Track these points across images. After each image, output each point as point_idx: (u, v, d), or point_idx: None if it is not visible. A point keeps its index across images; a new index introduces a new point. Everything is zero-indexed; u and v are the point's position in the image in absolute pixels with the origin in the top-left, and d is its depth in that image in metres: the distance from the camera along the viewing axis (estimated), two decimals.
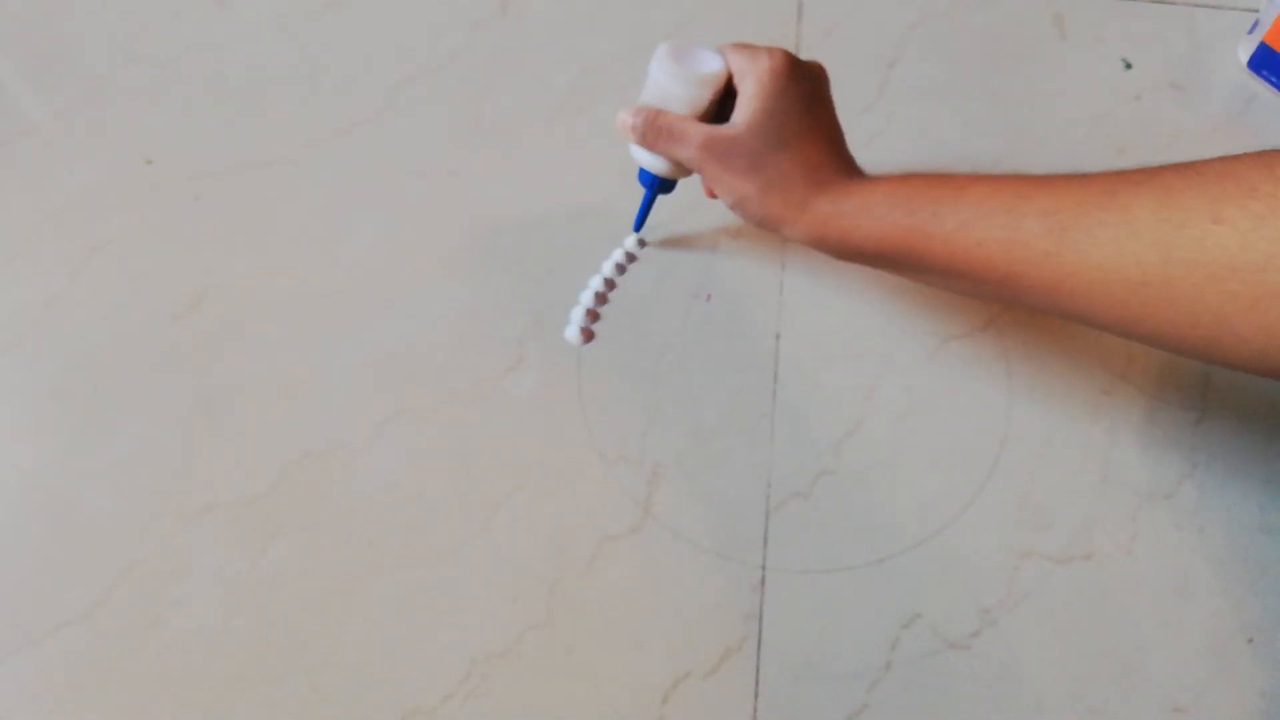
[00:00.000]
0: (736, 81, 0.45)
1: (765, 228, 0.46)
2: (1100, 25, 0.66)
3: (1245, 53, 0.64)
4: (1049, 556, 0.49)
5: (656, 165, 0.49)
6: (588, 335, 0.54)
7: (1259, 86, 0.64)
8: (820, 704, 0.45)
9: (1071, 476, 0.51)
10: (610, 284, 0.56)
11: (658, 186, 0.51)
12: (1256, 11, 0.64)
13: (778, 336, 0.54)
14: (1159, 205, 0.36)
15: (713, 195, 0.50)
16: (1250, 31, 0.64)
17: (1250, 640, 0.47)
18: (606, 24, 0.66)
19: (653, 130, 0.46)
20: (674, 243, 0.57)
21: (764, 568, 0.48)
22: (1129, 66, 0.64)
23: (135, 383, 0.53)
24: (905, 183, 0.43)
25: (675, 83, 0.46)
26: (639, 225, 0.54)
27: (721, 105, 0.47)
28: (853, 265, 0.56)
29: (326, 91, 0.63)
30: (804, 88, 0.45)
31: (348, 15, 0.66)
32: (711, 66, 0.46)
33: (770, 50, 0.45)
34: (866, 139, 0.60)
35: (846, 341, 0.54)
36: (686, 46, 0.46)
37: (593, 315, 0.55)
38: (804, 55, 0.46)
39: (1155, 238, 0.36)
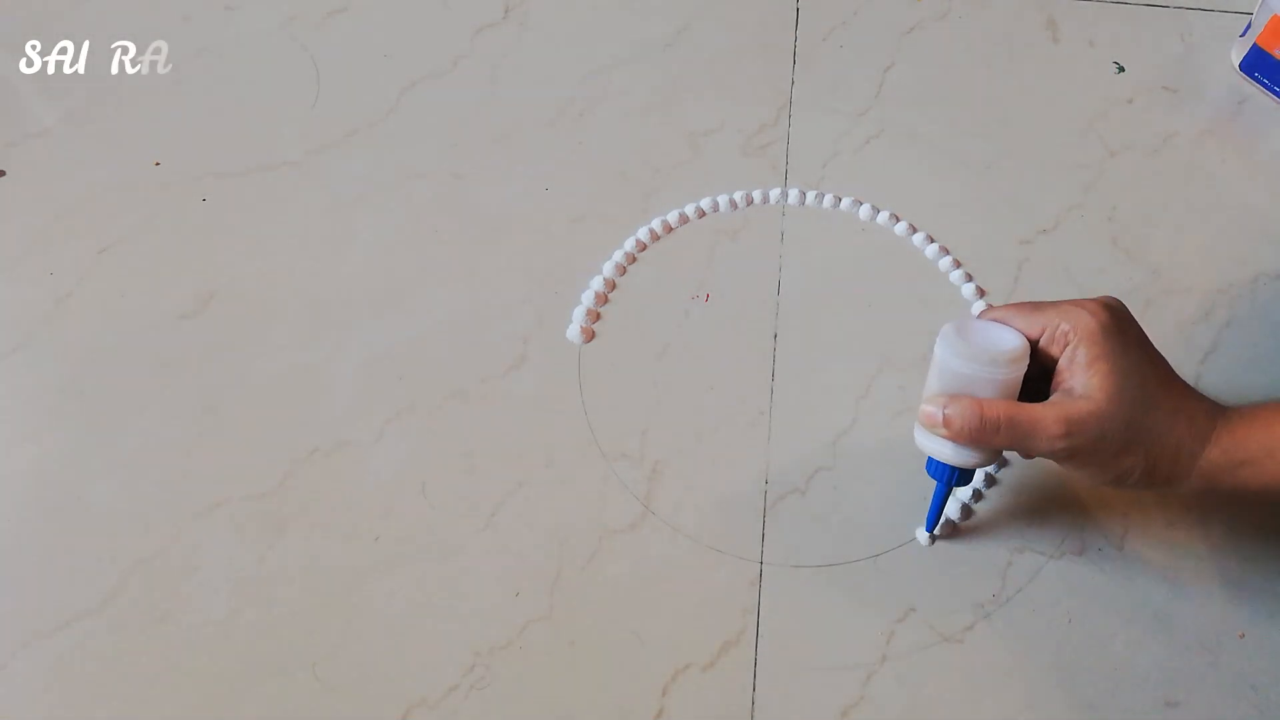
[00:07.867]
0: (1048, 347, 0.41)
1: (1147, 493, 0.46)
2: (1092, 28, 0.66)
3: (1238, 55, 0.64)
4: (1042, 552, 0.49)
5: (960, 457, 0.42)
6: (589, 334, 0.55)
7: (1251, 89, 0.64)
8: (817, 696, 0.46)
9: (1063, 472, 0.51)
10: (611, 284, 0.56)
11: (955, 480, 0.44)
12: (1249, 14, 0.64)
13: (775, 336, 0.55)
14: None
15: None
16: (1243, 34, 0.64)
17: (1241, 635, 0.47)
18: (607, 29, 0.66)
19: (989, 425, 0.40)
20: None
21: (761, 563, 0.49)
22: (1121, 69, 0.65)
23: (144, 381, 0.53)
24: None
25: (980, 366, 0.40)
26: (932, 524, 0.48)
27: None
28: (847, 264, 0.57)
29: (332, 95, 0.63)
30: (1133, 333, 0.41)
31: (353, 20, 0.67)
32: (1012, 341, 0.41)
33: (1083, 305, 0.40)
34: (863, 141, 0.61)
35: (842, 341, 0.55)
36: (966, 325, 0.42)
37: (594, 315, 0.56)
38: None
39: None
